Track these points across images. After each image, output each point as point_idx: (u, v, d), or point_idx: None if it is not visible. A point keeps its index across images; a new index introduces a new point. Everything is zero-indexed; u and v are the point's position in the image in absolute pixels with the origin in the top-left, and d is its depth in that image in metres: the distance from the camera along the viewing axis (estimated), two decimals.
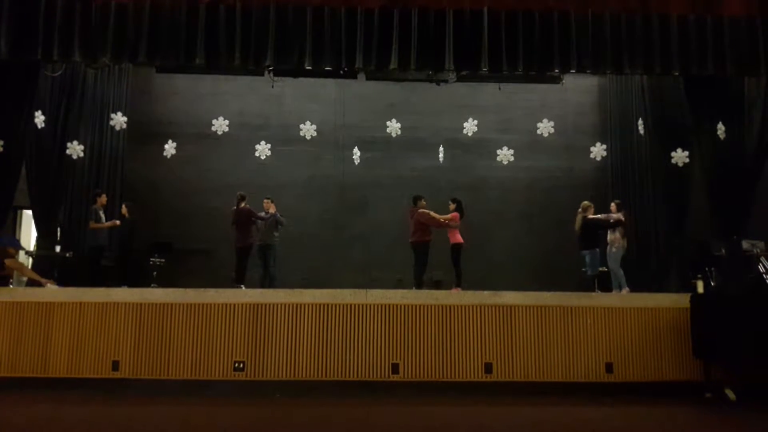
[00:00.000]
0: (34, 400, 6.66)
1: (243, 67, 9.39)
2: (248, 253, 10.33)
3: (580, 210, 9.89)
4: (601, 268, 9.89)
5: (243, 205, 10.38)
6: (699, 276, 9.26)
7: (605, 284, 9.86)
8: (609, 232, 9.81)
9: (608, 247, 9.81)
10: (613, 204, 10.13)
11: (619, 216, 9.83)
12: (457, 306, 7.57)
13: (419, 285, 9.63)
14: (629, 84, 12.07)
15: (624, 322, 7.61)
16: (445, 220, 9.80)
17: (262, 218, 10.50)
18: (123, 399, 6.83)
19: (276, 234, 10.62)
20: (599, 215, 9.94)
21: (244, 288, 9.58)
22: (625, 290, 9.36)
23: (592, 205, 9.99)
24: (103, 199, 10.61)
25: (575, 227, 9.92)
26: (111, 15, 8.37)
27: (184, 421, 5.94)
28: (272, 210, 10.60)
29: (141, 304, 7.52)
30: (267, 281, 10.29)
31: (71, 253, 10.56)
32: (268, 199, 10.77)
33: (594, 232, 9.79)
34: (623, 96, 12.31)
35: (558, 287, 8.78)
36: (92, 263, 10.30)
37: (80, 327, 7.45)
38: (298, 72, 10.78)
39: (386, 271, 10.62)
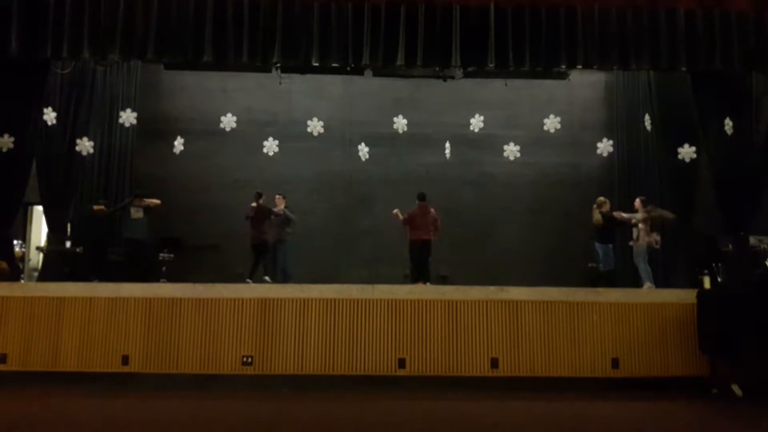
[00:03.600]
0: (44, 394, 6.75)
1: (251, 64, 9.44)
2: (265, 248, 10.36)
3: (595, 206, 9.79)
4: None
5: (261, 202, 10.43)
6: (705, 272, 9.26)
7: (615, 282, 9.79)
8: (634, 228, 9.69)
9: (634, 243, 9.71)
10: (637, 200, 9.96)
11: (640, 218, 9.67)
12: (463, 301, 7.60)
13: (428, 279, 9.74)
14: (636, 79, 12.01)
15: (630, 317, 7.63)
16: None
17: (276, 214, 10.54)
18: (132, 393, 6.91)
19: (288, 230, 10.66)
20: (624, 214, 9.83)
21: (250, 282, 9.63)
22: (647, 285, 9.23)
23: (608, 201, 9.91)
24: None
25: (593, 221, 9.78)
26: (120, 12, 8.45)
27: (193, 414, 6.00)
28: (281, 206, 10.66)
29: (150, 299, 7.59)
30: (279, 277, 10.32)
31: (81, 248, 10.63)
32: (280, 194, 10.83)
33: (611, 228, 9.71)
34: (630, 91, 12.26)
35: (564, 283, 8.78)
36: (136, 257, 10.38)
37: (90, 322, 7.53)
38: (305, 68, 10.79)
39: (393, 267, 10.64)
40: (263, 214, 10.38)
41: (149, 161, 12.21)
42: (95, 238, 10.61)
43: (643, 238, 9.47)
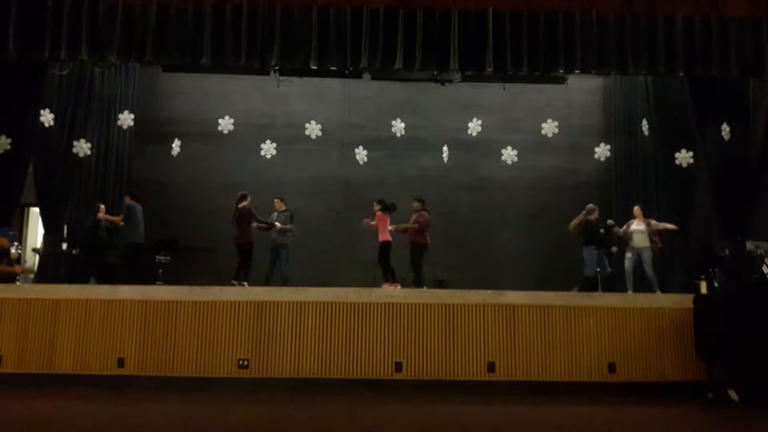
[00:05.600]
0: (39, 396, 6.73)
1: (249, 67, 9.43)
2: (248, 250, 10.25)
3: (584, 212, 9.83)
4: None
5: (244, 204, 10.31)
6: (702, 277, 9.25)
7: (604, 286, 9.81)
8: (640, 235, 9.73)
9: (641, 252, 9.74)
10: (637, 207, 10.02)
11: (621, 230, 9.78)
12: (460, 305, 7.60)
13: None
14: (634, 84, 12.05)
15: (627, 322, 7.64)
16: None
17: (260, 222, 10.37)
18: (128, 395, 6.89)
19: (289, 235, 10.59)
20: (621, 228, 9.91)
21: (246, 285, 9.60)
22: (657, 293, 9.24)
23: (597, 209, 9.94)
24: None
25: (570, 225, 9.84)
26: (118, 14, 8.44)
27: (189, 417, 5.98)
28: (281, 209, 10.59)
29: (146, 302, 7.58)
30: (279, 280, 10.25)
31: (77, 250, 10.61)
32: (278, 198, 10.76)
33: (595, 233, 9.74)
34: (628, 96, 12.28)
35: (561, 287, 8.79)
36: (133, 260, 10.37)
37: (86, 324, 7.52)
38: (303, 71, 10.82)
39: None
40: (246, 216, 10.30)
41: (146, 163, 12.20)
42: (95, 240, 10.64)
43: (650, 245, 9.56)
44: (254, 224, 10.29)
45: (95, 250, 10.60)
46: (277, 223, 10.51)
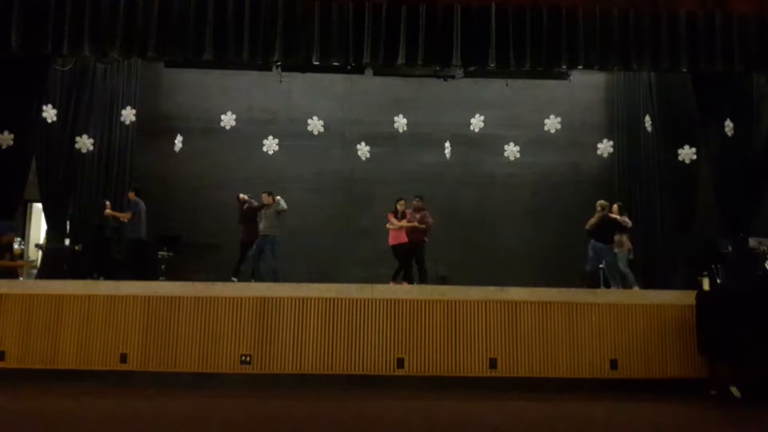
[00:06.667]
0: (42, 392, 6.75)
1: (251, 63, 9.44)
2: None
3: (599, 209, 9.72)
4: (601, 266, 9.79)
5: (246, 207, 10.45)
6: (705, 273, 9.24)
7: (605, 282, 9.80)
8: (617, 234, 9.70)
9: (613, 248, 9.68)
10: (615, 206, 9.98)
11: (625, 219, 9.74)
12: (463, 301, 7.59)
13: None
14: (637, 80, 12.02)
15: (629, 318, 7.62)
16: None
17: (262, 207, 10.42)
18: (130, 391, 6.90)
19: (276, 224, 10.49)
20: (618, 217, 9.84)
21: (236, 280, 9.66)
22: (635, 288, 9.23)
23: (608, 205, 9.89)
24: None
25: (589, 223, 9.72)
26: (120, 9, 8.43)
27: (191, 413, 6.00)
28: (267, 202, 10.39)
29: (149, 297, 7.59)
30: (270, 276, 10.19)
31: (80, 246, 10.63)
32: (265, 192, 10.60)
33: (610, 230, 9.68)
34: (630, 92, 12.26)
35: (563, 283, 8.78)
36: (135, 256, 10.40)
37: (89, 319, 7.53)
38: (305, 67, 10.78)
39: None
40: (253, 214, 10.37)
41: (149, 159, 12.21)
42: (101, 239, 10.67)
43: (626, 243, 9.52)
44: (262, 211, 10.30)
45: (100, 248, 10.62)
46: (278, 198, 10.46)
